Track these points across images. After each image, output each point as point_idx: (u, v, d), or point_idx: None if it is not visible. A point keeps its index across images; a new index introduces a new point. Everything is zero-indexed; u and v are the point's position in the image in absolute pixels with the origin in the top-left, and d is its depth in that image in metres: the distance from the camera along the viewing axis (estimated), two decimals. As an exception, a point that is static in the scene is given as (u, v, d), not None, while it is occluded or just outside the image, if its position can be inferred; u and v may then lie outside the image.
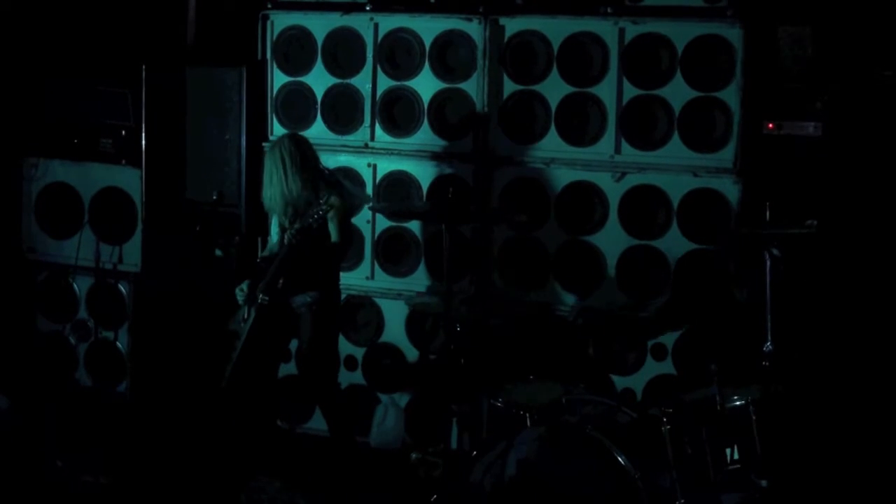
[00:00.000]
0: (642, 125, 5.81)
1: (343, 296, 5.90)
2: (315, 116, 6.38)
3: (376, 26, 6.22)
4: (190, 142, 6.47)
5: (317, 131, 6.37)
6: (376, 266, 6.30)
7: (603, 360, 5.74)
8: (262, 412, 5.88)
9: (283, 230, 5.55)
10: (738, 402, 4.68)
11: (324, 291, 5.58)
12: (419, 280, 6.22)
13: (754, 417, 4.62)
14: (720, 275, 5.64)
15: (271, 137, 6.43)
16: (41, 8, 6.73)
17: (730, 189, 5.66)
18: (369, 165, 6.28)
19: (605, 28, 5.81)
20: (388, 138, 6.25)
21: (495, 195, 6.05)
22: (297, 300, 5.52)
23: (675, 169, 5.76)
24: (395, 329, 6.30)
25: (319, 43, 6.33)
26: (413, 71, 6.17)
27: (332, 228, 5.46)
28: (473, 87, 6.05)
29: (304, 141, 5.61)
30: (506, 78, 6.01)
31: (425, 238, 6.18)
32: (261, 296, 5.45)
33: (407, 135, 6.21)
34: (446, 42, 6.10)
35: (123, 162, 6.61)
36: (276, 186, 5.49)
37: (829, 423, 5.29)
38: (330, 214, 5.36)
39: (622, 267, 5.85)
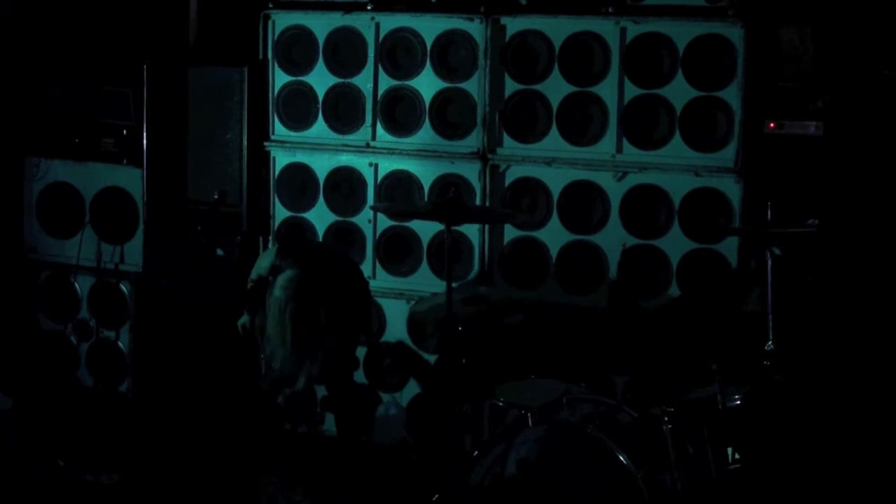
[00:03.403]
0: (643, 125, 5.80)
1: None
2: (316, 116, 6.38)
3: (377, 26, 6.22)
4: (191, 141, 6.47)
5: (318, 131, 6.38)
6: (377, 265, 6.31)
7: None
8: (269, 412, 5.89)
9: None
10: (739, 402, 4.67)
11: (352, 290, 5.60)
12: (421, 280, 6.22)
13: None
14: (724, 275, 5.65)
15: (272, 137, 6.44)
16: (41, 8, 6.73)
17: (731, 188, 5.66)
18: (371, 165, 6.28)
19: (606, 27, 5.81)
20: (389, 138, 6.26)
21: (497, 195, 6.06)
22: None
23: (676, 168, 5.75)
24: (396, 329, 6.30)
25: (321, 42, 6.33)
26: (414, 70, 6.17)
27: None
28: (475, 86, 6.05)
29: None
30: (507, 77, 6.01)
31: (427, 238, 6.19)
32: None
33: (408, 134, 6.21)
34: (447, 42, 6.10)
35: (125, 161, 6.61)
36: (286, 347, 5.30)
37: (829, 421, 5.28)
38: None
39: (623, 266, 5.85)
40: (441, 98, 6.13)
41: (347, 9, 6.26)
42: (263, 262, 5.52)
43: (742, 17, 5.58)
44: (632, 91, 5.81)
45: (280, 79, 6.44)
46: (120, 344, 6.77)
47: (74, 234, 6.78)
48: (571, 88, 5.90)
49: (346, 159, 6.34)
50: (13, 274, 6.91)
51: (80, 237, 6.75)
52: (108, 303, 6.77)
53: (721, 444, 4.60)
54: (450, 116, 6.15)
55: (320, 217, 6.41)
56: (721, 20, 5.61)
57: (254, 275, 5.64)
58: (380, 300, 6.29)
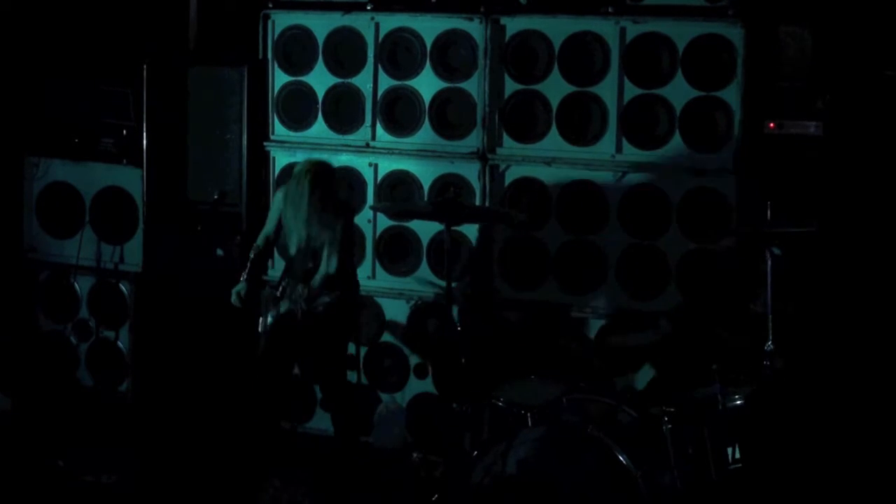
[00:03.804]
0: (643, 124, 5.80)
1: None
2: (316, 116, 6.38)
3: (377, 26, 6.22)
4: (191, 141, 6.47)
5: (318, 131, 6.38)
6: (377, 265, 6.31)
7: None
8: (268, 412, 5.88)
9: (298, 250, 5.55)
10: (739, 402, 4.67)
11: (344, 291, 5.59)
12: (420, 279, 6.22)
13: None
14: (726, 276, 5.65)
15: (272, 137, 6.44)
16: (41, 8, 6.73)
17: (730, 188, 5.66)
18: (371, 165, 6.28)
19: (606, 27, 5.81)
20: (389, 138, 6.26)
21: (497, 195, 6.06)
22: (318, 300, 5.53)
23: (676, 168, 5.76)
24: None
25: (320, 42, 6.33)
26: (414, 70, 6.17)
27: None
28: (474, 86, 6.05)
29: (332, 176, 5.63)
30: (507, 77, 6.01)
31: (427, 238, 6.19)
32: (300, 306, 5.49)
33: (408, 134, 6.21)
34: (447, 41, 6.11)
35: (125, 161, 6.61)
36: (301, 218, 5.48)
37: (828, 421, 5.29)
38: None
39: (623, 266, 5.85)
40: (441, 98, 6.13)
41: (347, 9, 6.26)
42: (277, 197, 5.70)
43: (742, 17, 5.58)
44: (631, 91, 5.81)
45: (280, 79, 6.44)
46: (120, 344, 6.77)
47: (74, 234, 6.78)
48: (571, 88, 5.90)
49: (345, 159, 6.33)
50: (13, 274, 6.91)
51: (80, 237, 6.75)
52: (108, 303, 6.77)
53: (721, 444, 4.60)
54: (449, 116, 6.15)
55: (320, 217, 6.40)
56: (721, 20, 5.61)
57: (259, 241, 5.68)
58: (380, 300, 6.29)
